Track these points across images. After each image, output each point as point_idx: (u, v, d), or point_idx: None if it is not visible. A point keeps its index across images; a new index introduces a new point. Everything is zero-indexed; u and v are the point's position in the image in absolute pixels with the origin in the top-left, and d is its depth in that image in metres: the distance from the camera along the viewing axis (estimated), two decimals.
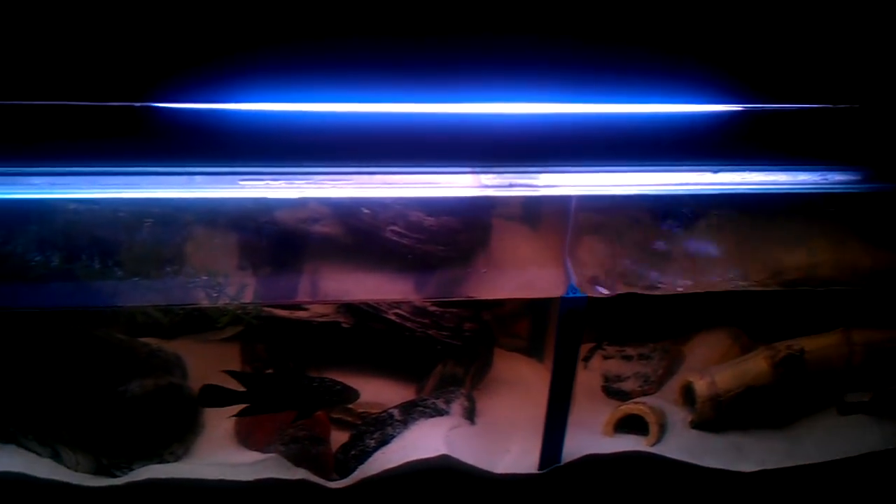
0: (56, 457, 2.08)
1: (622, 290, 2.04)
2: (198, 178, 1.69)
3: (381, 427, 2.21)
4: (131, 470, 2.08)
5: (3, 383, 2.07)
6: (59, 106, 1.58)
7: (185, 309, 2.28)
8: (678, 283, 2.06)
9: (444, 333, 2.36)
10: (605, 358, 2.60)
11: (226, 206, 1.85)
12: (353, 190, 1.74)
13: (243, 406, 2.10)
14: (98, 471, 2.09)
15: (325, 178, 1.70)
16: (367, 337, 2.35)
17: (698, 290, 2.09)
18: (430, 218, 2.04)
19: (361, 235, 2.04)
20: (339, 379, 2.21)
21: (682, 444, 2.26)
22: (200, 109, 1.61)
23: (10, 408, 2.08)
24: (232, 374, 2.11)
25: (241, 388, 2.09)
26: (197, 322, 2.38)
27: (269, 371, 2.34)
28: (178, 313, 2.31)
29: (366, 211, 1.96)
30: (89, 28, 1.55)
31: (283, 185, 1.70)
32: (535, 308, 2.60)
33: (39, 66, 1.56)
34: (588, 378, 2.56)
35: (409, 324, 2.34)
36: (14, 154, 1.64)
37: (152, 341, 2.32)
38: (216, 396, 2.09)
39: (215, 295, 1.87)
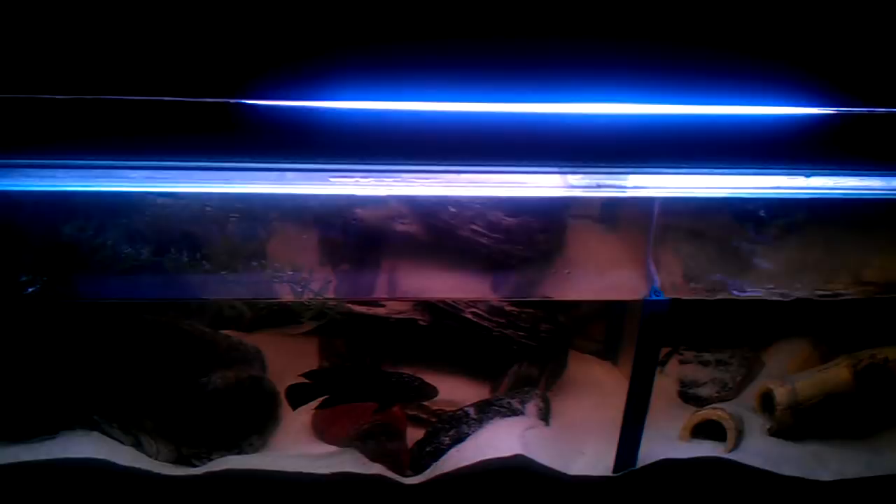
0: (138, 445, 2.12)
1: (704, 294, 2.01)
2: (288, 174, 1.71)
3: (457, 425, 2.21)
4: (210, 460, 2.12)
5: (90, 372, 2.12)
6: (155, 101, 1.61)
7: (270, 303, 2.32)
8: (761, 289, 2.03)
9: (521, 334, 2.36)
10: (682, 363, 2.57)
11: (311, 202, 1.87)
12: (438, 188, 1.74)
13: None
14: (178, 460, 2.13)
15: (412, 175, 1.71)
16: (444, 335, 2.36)
17: (781, 297, 2.06)
18: (509, 218, 2.04)
19: (441, 234, 2.05)
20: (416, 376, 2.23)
21: (759, 452, 2.22)
22: (292, 107, 1.63)
23: (95, 396, 2.12)
24: (307, 375, 2.16)
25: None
26: (277, 316, 2.42)
27: (348, 366, 2.36)
28: (263, 307, 2.35)
29: (451, 209, 1.96)
30: (186, 25, 1.58)
31: (372, 183, 1.71)
32: (611, 311, 2.58)
33: (137, 62, 1.59)
34: (663, 382, 2.54)
35: (485, 323, 2.34)
36: (110, 148, 1.68)
37: (233, 334, 2.36)
38: (302, 394, 2.14)
39: (300, 290, 1.90)
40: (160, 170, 1.71)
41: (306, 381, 2.15)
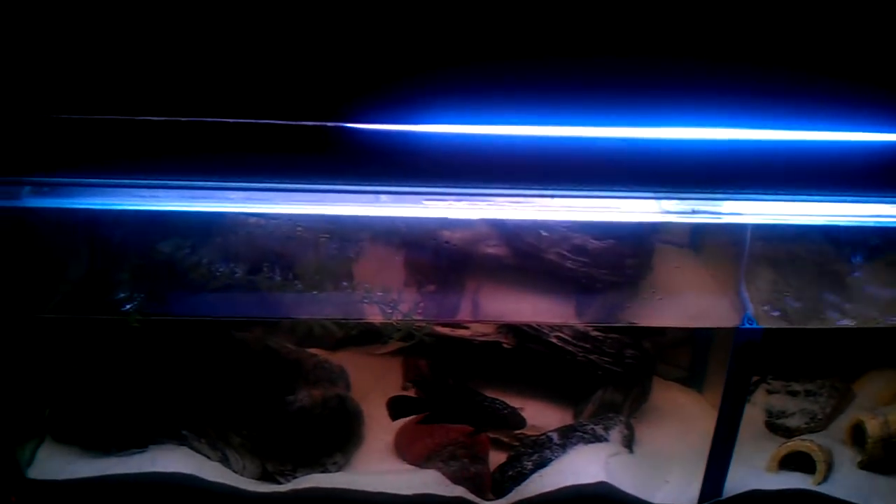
0: (224, 461, 2.15)
1: (797, 322, 1.98)
2: (383, 196, 1.74)
3: (540, 450, 2.20)
4: (295, 477, 2.14)
5: (180, 387, 2.16)
6: (252, 124, 1.65)
7: (359, 323, 2.34)
8: (854, 319, 1.99)
9: (606, 359, 2.34)
10: (769, 392, 2.52)
11: (400, 224, 1.89)
12: (531, 212, 1.75)
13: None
14: (263, 476, 2.15)
15: (505, 199, 1.72)
16: (528, 358, 2.36)
17: (874, 326, 2.01)
18: (595, 241, 2.03)
19: (527, 257, 2.05)
20: (499, 399, 2.23)
21: (849, 485, 2.17)
22: (388, 130, 1.65)
23: (184, 411, 2.17)
24: (415, 382, 2.21)
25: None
26: (365, 336, 2.44)
27: (450, 384, 2.37)
28: (353, 327, 2.37)
29: (543, 233, 1.96)
30: (286, 50, 1.61)
31: (465, 206, 1.72)
32: (697, 338, 2.55)
33: (239, 86, 1.63)
34: (750, 412, 2.48)
35: (570, 347, 2.33)
36: (209, 169, 1.72)
37: (318, 353, 2.39)
38: (403, 406, 2.18)
39: (389, 311, 1.91)
40: (259, 191, 1.74)
41: (408, 392, 2.20)
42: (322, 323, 2.36)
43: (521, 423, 2.20)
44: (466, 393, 2.20)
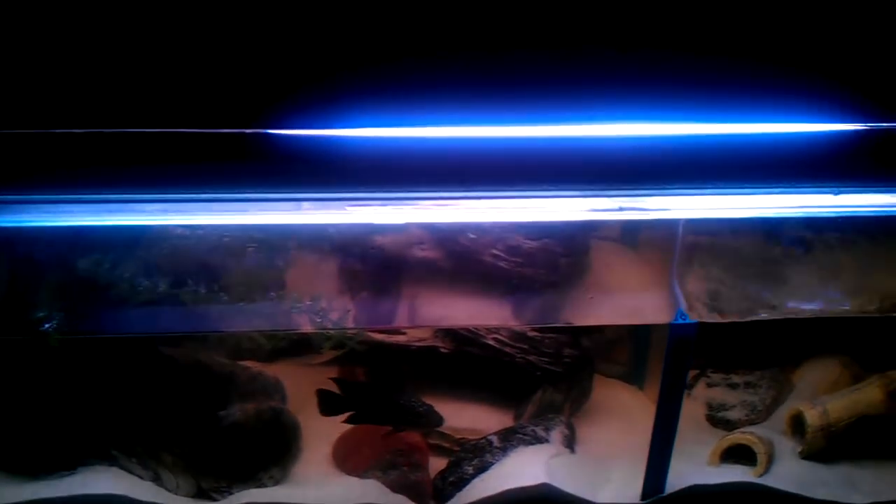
0: (157, 480, 2.09)
1: (730, 316, 1.97)
2: (305, 203, 1.69)
3: (480, 454, 2.17)
4: (230, 494, 2.09)
5: (108, 406, 2.10)
6: (170, 133, 1.60)
7: (289, 334, 2.29)
8: (789, 310, 1.99)
9: (544, 360, 2.32)
10: (710, 385, 2.52)
11: (329, 231, 1.84)
12: (456, 214, 1.71)
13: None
14: (198, 494, 2.10)
15: (431, 203, 1.69)
16: (466, 362, 2.32)
17: (810, 317, 2.01)
18: (530, 241, 2.01)
19: (461, 260, 2.02)
20: (437, 404, 2.20)
21: (791, 476, 2.18)
22: (307, 136, 1.61)
23: (114, 431, 2.10)
24: (336, 380, 2.15)
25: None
26: (296, 346, 2.39)
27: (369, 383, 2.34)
28: (282, 338, 2.32)
29: (471, 235, 1.93)
30: (201, 56, 1.56)
31: (390, 211, 1.68)
32: (636, 334, 2.54)
33: (151, 93, 1.58)
34: (691, 406, 2.48)
35: (508, 349, 2.31)
36: (125, 181, 1.67)
37: (253, 365, 2.33)
38: (330, 402, 2.13)
39: (319, 320, 1.87)
40: (176, 202, 1.69)
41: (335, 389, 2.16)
42: (250, 335, 2.30)
43: (439, 420, 2.18)
44: (384, 392, 2.17)
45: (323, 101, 1.60)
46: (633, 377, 2.56)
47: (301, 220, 1.73)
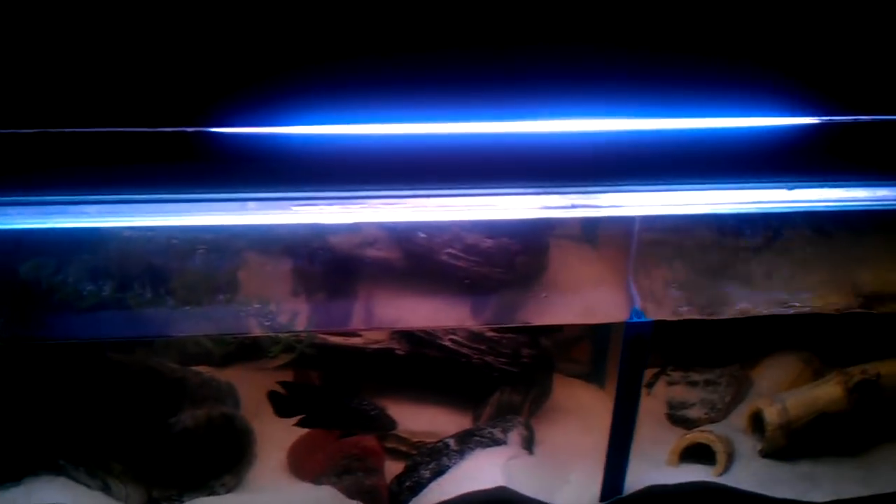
0: (106, 489, 2.03)
1: (688, 313, 1.95)
2: (250, 203, 1.65)
3: (437, 457, 2.14)
4: (182, 502, 2.04)
5: (54, 415, 2.04)
6: (110, 133, 1.55)
7: (237, 338, 2.24)
8: (748, 306, 1.97)
9: (502, 360, 2.29)
10: (670, 384, 2.50)
11: (279, 232, 1.80)
12: (408, 213, 1.68)
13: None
14: (148, 503, 2.05)
15: (380, 201, 1.65)
16: (422, 364, 2.29)
17: (769, 313, 2.00)
18: (487, 240, 1.98)
19: (417, 259, 1.98)
20: (394, 407, 2.17)
21: (751, 474, 2.16)
22: (253, 134, 1.57)
23: (60, 439, 2.04)
24: (284, 384, 2.10)
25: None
26: (250, 350, 2.34)
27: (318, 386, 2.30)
28: (230, 343, 2.27)
29: (421, 235, 1.89)
30: (140, 53, 1.51)
31: (338, 210, 1.64)
32: (596, 332, 2.52)
33: (90, 92, 1.53)
34: (651, 405, 2.47)
35: (465, 350, 2.27)
36: (65, 182, 1.61)
37: (205, 370, 2.28)
38: (282, 404, 2.09)
39: (267, 323, 1.82)
40: (116, 203, 1.64)
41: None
42: (197, 340, 2.24)
43: (391, 424, 2.15)
44: (334, 396, 2.13)
45: (267, 98, 1.56)
46: (594, 376, 2.54)
47: (249, 220, 1.68)
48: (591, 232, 2.06)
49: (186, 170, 1.60)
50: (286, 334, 2.07)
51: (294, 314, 1.86)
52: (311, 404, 2.10)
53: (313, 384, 2.27)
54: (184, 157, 1.59)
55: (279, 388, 2.08)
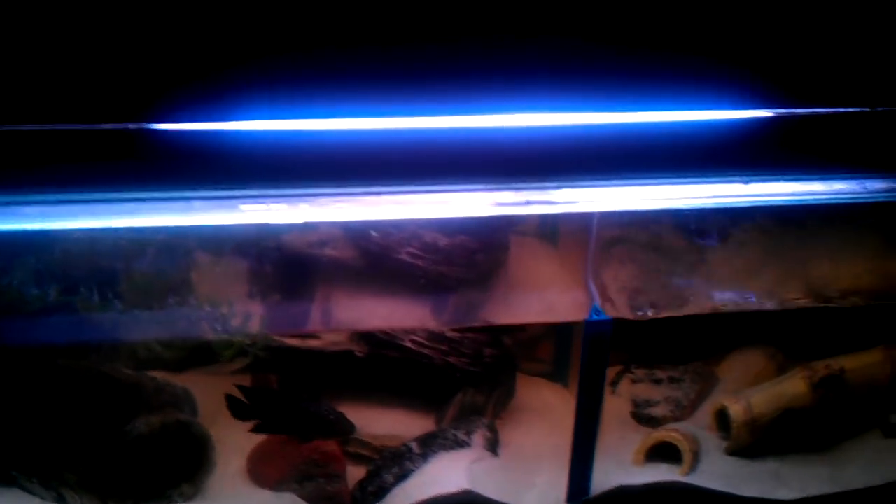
0: (60, 500, 1.99)
1: (649, 311, 1.93)
2: (196, 202, 1.60)
3: (400, 461, 2.10)
4: None
5: (4, 424, 1.99)
6: (49, 130, 1.50)
7: (189, 342, 2.19)
8: (709, 303, 1.95)
9: (464, 360, 2.25)
10: (634, 382, 2.48)
11: (230, 231, 1.76)
12: (359, 211, 1.64)
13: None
14: None
15: (330, 199, 1.61)
16: (383, 365, 2.25)
17: (731, 310, 1.98)
18: (446, 238, 1.95)
19: (374, 259, 1.95)
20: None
21: (717, 473, 2.15)
22: (197, 130, 1.53)
23: (11, 450, 1.99)
24: (240, 387, 2.07)
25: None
26: (206, 354, 2.29)
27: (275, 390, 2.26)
28: (182, 347, 2.22)
29: (374, 233, 1.86)
30: (79, 48, 1.47)
31: (286, 209, 1.60)
32: (559, 331, 2.49)
33: (27, 88, 1.48)
34: (616, 404, 2.44)
35: (426, 351, 2.23)
36: (4, 183, 1.57)
37: (160, 375, 2.23)
38: (239, 409, 2.07)
39: (219, 327, 1.78)
40: (59, 204, 1.59)
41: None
42: (147, 345, 2.19)
43: (349, 428, 2.12)
44: (291, 400, 2.09)
45: (211, 93, 1.52)
46: (557, 375, 2.51)
47: (199, 221, 1.63)
48: (549, 229, 2.04)
49: (129, 168, 1.56)
50: (239, 338, 2.03)
51: (247, 316, 1.82)
52: (268, 409, 2.06)
53: (271, 388, 2.22)
54: (126, 154, 1.54)
55: (236, 392, 2.04)
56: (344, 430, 2.10)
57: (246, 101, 1.52)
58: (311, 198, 1.63)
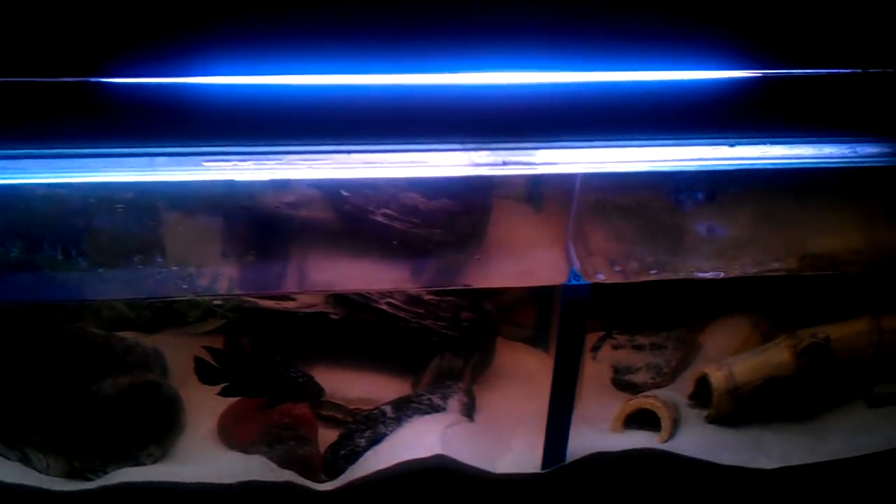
0: (25, 460, 1.96)
1: (631, 276, 1.88)
2: (159, 159, 1.55)
3: (373, 425, 2.07)
4: (105, 473, 1.96)
5: None
6: (5, 83, 1.44)
7: (155, 302, 2.14)
8: (693, 268, 1.90)
9: (441, 324, 2.21)
10: (615, 348, 2.44)
11: (198, 189, 1.70)
12: (333, 170, 1.58)
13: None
14: (70, 474, 1.96)
15: (297, 157, 1.55)
16: (358, 328, 2.20)
17: (715, 276, 1.93)
18: (425, 200, 1.89)
19: (351, 220, 1.89)
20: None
21: (696, 441, 2.11)
22: (159, 83, 1.46)
23: None
24: (209, 349, 2.03)
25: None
26: (176, 315, 2.24)
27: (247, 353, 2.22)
28: (146, 307, 2.16)
29: (345, 193, 1.80)
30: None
31: (252, 166, 1.54)
32: (540, 295, 2.44)
33: None
34: (597, 370, 2.41)
35: (402, 314, 2.19)
36: None
37: (130, 336, 2.19)
38: (205, 372, 2.03)
39: (185, 286, 1.72)
40: (17, 159, 1.54)
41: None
42: (111, 304, 2.14)
43: (318, 392, 2.08)
44: (261, 362, 2.05)
45: (173, 45, 1.45)
46: (538, 340, 2.47)
47: (163, 177, 1.57)
48: (530, 191, 1.98)
49: (90, 124, 1.50)
50: (206, 299, 1.98)
51: (215, 277, 1.76)
52: (237, 371, 2.02)
53: (239, 351, 2.18)
54: (87, 109, 1.48)
55: (205, 354, 2.00)
56: (312, 394, 2.06)
57: (208, 54, 1.46)
58: (282, 156, 1.58)
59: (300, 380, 2.04)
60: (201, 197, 1.71)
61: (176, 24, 1.44)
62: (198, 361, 2.01)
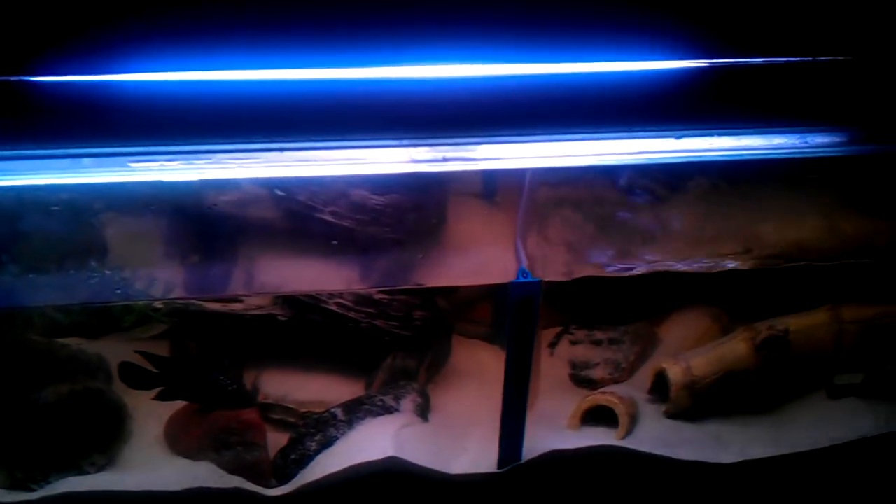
0: None
1: (582, 271, 1.84)
2: (85, 160, 1.49)
3: (323, 428, 2.02)
4: (48, 483, 1.90)
5: None
6: None
7: (88, 308, 2.08)
8: (646, 263, 1.87)
9: (392, 324, 2.16)
10: (573, 343, 2.40)
11: (136, 190, 1.64)
12: (262, 169, 1.53)
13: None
14: (12, 485, 1.91)
15: (226, 156, 1.50)
16: (308, 330, 2.15)
17: (668, 270, 1.90)
18: (374, 197, 1.84)
19: (295, 219, 1.84)
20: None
21: (655, 436, 2.08)
22: (82, 82, 1.41)
23: None
24: (144, 353, 1.99)
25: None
26: (98, 321, 2.18)
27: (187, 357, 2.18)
28: (79, 312, 2.10)
29: (279, 192, 1.74)
30: None
31: (180, 166, 1.49)
32: (496, 292, 2.40)
33: None
34: (554, 366, 2.37)
35: (352, 314, 2.14)
36: None
37: (73, 342, 2.13)
38: (134, 375, 2.00)
39: (119, 291, 1.67)
40: None
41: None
42: (42, 311, 2.08)
43: (248, 400, 2.05)
44: (195, 367, 2.01)
45: (99, 43, 1.40)
46: (496, 337, 2.43)
47: (81, 179, 1.52)
48: (488, 188, 1.94)
49: (10, 125, 1.44)
50: (142, 302, 1.92)
51: (151, 281, 1.71)
52: (170, 376, 1.98)
53: (181, 355, 2.12)
54: (8, 110, 1.42)
55: (139, 359, 1.95)
56: (243, 401, 2.04)
57: (137, 51, 1.41)
58: (211, 155, 1.53)
59: (230, 387, 2.00)
60: (133, 199, 1.66)
61: (101, 20, 1.38)
62: (122, 366, 1.97)
